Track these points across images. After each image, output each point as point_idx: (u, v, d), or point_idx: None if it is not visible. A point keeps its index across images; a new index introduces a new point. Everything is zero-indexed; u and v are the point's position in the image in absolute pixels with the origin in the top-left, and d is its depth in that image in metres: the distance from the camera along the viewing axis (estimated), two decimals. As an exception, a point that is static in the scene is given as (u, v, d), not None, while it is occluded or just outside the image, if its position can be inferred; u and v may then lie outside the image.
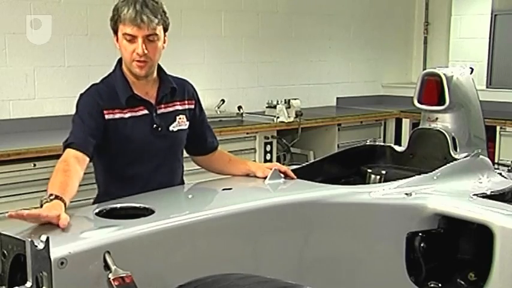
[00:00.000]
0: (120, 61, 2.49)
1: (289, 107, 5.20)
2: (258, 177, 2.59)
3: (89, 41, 4.66)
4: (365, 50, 6.74)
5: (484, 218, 2.52)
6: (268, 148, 5.07)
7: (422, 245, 2.57)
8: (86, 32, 4.66)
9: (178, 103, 2.54)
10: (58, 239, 1.71)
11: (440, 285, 2.64)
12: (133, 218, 1.96)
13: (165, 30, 2.42)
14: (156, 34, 2.36)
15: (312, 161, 3.95)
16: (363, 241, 2.47)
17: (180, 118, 2.53)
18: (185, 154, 2.75)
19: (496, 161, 5.02)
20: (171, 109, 2.52)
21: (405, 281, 2.57)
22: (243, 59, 5.75)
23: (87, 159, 2.30)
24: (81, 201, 2.60)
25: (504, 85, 6.18)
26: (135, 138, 2.42)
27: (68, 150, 2.28)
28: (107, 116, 2.38)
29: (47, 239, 1.62)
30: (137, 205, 2.10)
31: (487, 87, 6.23)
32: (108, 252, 1.74)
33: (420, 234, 2.58)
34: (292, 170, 2.68)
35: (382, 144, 4.06)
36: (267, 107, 5.41)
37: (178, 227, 1.97)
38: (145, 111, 2.45)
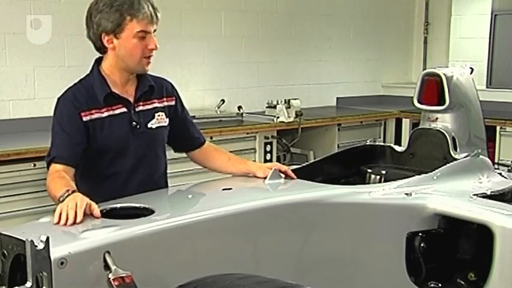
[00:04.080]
0: (97, 61, 2.52)
1: (289, 107, 5.20)
2: (258, 177, 2.59)
3: (89, 41, 4.66)
4: (365, 50, 6.74)
5: (484, 218, 2.52)
6: (268, 148, 5.06)
7: (422, 245, 2.57)
8: (86, 32, 4.65)
9: (156, 101, 2.56)
10: (58, 239, 1.71)
11: (440, 285, 2.64)
12: (133, 218, 1.96)
13: None
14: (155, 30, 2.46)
15: (312, 161, 3.95)
16: (363, 241, 2.47)
17: (158, 115, 2.54)
18: (178, 155, 2.75)
19: (496, 161, 5.01)
20: (149, 107, 2.53)
21: (405, 281, 2.57)
22: (243, 59, 5.75)
23: (73, 169, 2.36)
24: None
25: (504, 85, 6.17)
26: (113, 137, 2.44)
27: (53, 165, 2.33)
28: (84, 118, 2.39)
29: (47, 239, 1.62)
30: (137, 205, 2.10)
31: (487, 87, 6.23)
32: (108, 252, 1.74)
33: (420, 234, 2.58)
34: (292, 170, 2.68)
35: (382, 144, 4.06)
36: (267, 107, 5.40)
37: (178, 227, 1.97)
38: (124, 109, 2.47)
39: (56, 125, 2.41)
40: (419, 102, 3.28)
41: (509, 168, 3.43)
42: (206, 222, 2.05)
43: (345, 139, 5.60)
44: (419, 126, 3.39)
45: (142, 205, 2.10)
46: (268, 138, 5.08)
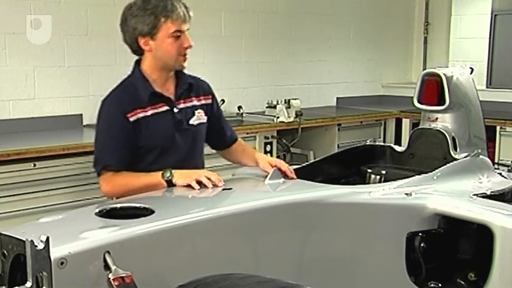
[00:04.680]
0: (137, 62, 2.59)
1: (289, 107, 5.20)
2: (258, 176, 2.61)
3: (89, 41, 4.66)
4: (365, 50, 6.74)
5: (484, 218, 2.52)
6: (268, 148, 5.06)
7: (422, 245, 2.57)
8: (86, 32, 4.65)
9: (194, 99, 2.67)
10: (58, 239, 1.71)
11: (440, 285, 2.64)
12: (133, 218, 1.96)
13: None
14: None
15: (312, 161, 3.95)
16: (363, 241, 2.47)
17: (198, 113, 2.65)
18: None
19: (496, 161, 5.02)
20: (189, 104, 2.64)
21: (405, 281, 2.57)
22: (243, 59, 5.75)
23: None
24: (80, 201, 2.61)
25: (504, 85, 6.18)
26: (158, 134, 2.52)
27: (107, 174, 2.45)
28: (131, 119, 2.47)
29: (47, 239, 1.62)
30: (137, 205, 2.10)
31: (487, 87, 6.23)
32: (108, 252, 1.74)
33: (420, 234, 2.58)
34: (292, 170, 2.69)
35: (382, 144, 4.05)
36: (267, 107, 5.40)
37: (178, 227, 1.97)
38: (166, 107, 2.56)
39: (104, 130, 2.49)
40: (419, 102, 3.28)
41: (509, 168, 3.43)
42: (206, 222, 2.05)
43: (345, 139, 5.60)
44: (419, 126, 3.39)
45: (142, 205, 2.09)
46: (268, 138, 5.08)
